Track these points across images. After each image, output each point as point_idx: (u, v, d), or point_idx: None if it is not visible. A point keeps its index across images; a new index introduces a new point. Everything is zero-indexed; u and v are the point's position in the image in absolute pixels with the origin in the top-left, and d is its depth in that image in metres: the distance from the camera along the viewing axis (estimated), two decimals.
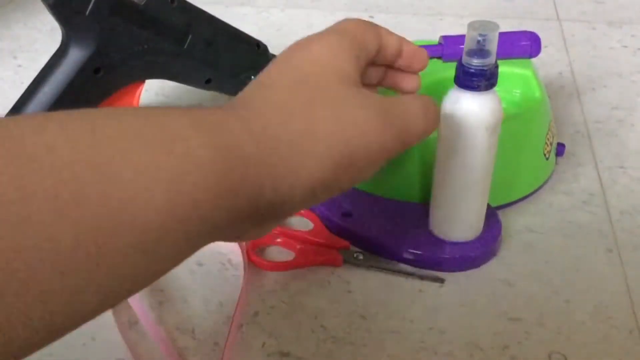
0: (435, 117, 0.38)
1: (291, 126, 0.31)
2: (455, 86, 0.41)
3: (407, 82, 0.42)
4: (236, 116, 0.31)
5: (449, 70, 0.51)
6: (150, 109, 0.29)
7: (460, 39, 0.53)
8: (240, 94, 0.34)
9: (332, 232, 0.49)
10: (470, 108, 0.41)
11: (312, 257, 0.48)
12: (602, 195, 0.54)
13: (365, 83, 0.40)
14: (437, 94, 0.51)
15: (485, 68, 0.40)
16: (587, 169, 0.56)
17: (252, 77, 0.60)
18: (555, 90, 0.68)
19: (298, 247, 0.48)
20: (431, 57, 0.55)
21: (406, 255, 0.47)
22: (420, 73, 0.44)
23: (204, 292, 0.45)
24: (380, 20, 0.83)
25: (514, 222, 0.51)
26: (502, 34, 0.54)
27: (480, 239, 0.47)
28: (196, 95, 0.64)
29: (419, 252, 0.47)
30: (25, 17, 0.84)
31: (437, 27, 0.81)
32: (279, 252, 0.49)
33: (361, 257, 0.47)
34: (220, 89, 0.60)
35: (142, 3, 0.51)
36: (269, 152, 0.30)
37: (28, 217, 0.22)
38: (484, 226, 0.47)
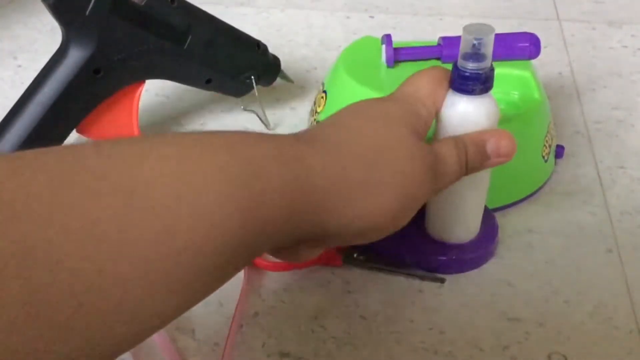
0: (467, 165, 0.40)
1: (359, 169, 0.34)
2: (451, 90, 0.41)
3: None
4: (314, 152, 0.33)
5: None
6: (237, 136, 0.31)
7: (459, 39, 0.53)
8: (314, 130, 0.37)
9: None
10: (466, 112, 0.41)
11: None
12: (602, 196, 0.54)
13: None
14: None
15: (480, 72, 0.40)
16: (587, 169, 0.56)
17: (252, 77, 0.60)
18: (554, 90, 0.68)
19: None
20: (430, 59, 0.55)
21: (403, 259, 0.47)
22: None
23: None
24: (380, 20, 0.83)
25: (513, 222, 0.51)
26: (501, 36, 0.53)
27: (477, 241, 0.47)
28: (196, 96, 0.64)
29: (416, 255, 0.47)
30: (26, 18, 0.84)
31: (437, 27, 0.81)
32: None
33: (361, 257, 0.47)
34: (221, 89, 0.60)
35: (142, 3, 0.51)
36: (336, 190, 0.33)
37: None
38: (481, 228, 0.47)
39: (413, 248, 0.47)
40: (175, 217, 0.26)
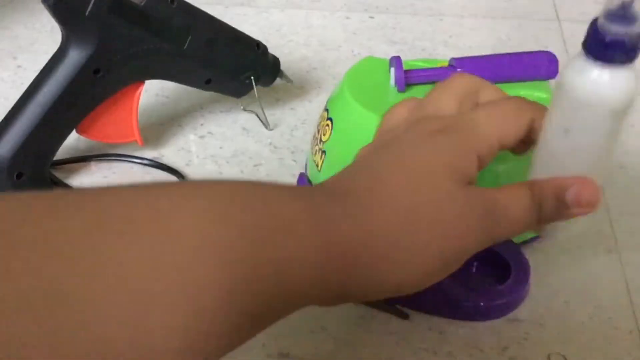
0: (541, 214, 0.34)
1: (394, 231, 0.31)
2: (583, 53, 0.33)
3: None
4: (345, 211, 0.31)
5: None
6: (266, 188, 0.30)
7: (473, 61, 0.50)
8: (347, 178, 0.34)
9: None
10: (597, 83, 0.33)
11: None
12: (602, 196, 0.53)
13: None
14: None
15: (626, 38, 0.32)
16: None
17: (252, 77, 0.60)
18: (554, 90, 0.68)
19: None
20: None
21: (423, 301, 0.43)
22: None
23: None
24: (380, 20, 0.83)
25: None
26: (517, 55, 0.51)
27: (508, 284, 0.43)
28: (196, 96, 0.64)
29: (437, 299, 0.42)
30: (25, 18, 0.84)
31: (437, 28, 0.81)
32: None
33: None
34: (220, 89, 0.60)
35: (142, 3, 0.51)
36: (368, 251, 0.30)
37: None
38: (512, 268, 0.43)
39: (435, 289, 0.41)
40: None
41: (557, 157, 0.36)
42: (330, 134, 0.51)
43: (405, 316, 0.43)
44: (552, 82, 0.51)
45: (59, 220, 0.24)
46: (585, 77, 0.33)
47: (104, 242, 0.24)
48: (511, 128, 0.35)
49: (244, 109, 0.61)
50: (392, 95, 0.50)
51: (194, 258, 0.25)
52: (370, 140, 0.47)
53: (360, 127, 0.47)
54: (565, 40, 0.77)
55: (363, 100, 0.49)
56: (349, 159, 0.49)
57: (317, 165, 0.51)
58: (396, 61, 0.50)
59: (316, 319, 0.43)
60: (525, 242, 0.48)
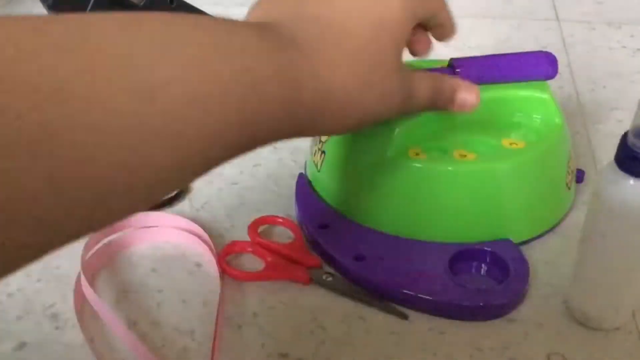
0: (440, 100, 0.42)
1: (350, 91, 0.36)
2: (615, 165, 0.36)
3: (423, 47, 0.44)
4: (312, 71, 0.34)
5: None
6: (237, 42, 0.32)
7: (473, 61, 0.50)
8: (302, 29, 0.35)
9: (349, 279, 0.45)
10: (630, 194, 0.36)
11: (279, 271, 0.46)
12: None
13: None
14: (443, 123, 0.47)
15: None
16: (586, 170, 0.56)
17: None
18: (554, 91, 0.68)
19: (269, 259, 0.47)
20: None
21: (423, 301, 0.43)
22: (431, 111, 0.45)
23: (203, 293, 0.45)
24: None
25: None
26: (516, 55, 0.51)
27: (507, 284, 0.43)
28: None
29: (437, 299, 0.43)
30: None
31: None
32: (252, 261, 0.47)
33: (330, 278, 0.45)
34: None
35: (141, 3, 0.51)
36: (326, 108, 0.35)
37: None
38: (510, 268, 0.44)
39: (433, 290, 0.43)
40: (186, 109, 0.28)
41: (596, 258, 0.40)
42: (328, 137, 0.50)
43: (404, 316, 0.43)
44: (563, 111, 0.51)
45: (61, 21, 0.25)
46: (618, 188, 0.36)
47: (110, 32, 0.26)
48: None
49: None
50: None
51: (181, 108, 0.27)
52: (369, 141, 0.47)
53: (359, 133, 0.46)
54: (565, 40, 0.77)
55: None
56: (348, 159, 0.49)
57: (317, 166, 0.51)
58: None
59: (316, 319, 0.43)
60: (524, 242, 0.48)
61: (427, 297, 0.43)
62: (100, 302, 0.43)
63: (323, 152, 0.51)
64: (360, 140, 0.48)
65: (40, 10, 0.50)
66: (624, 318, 0.42)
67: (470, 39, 0.76)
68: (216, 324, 0.42)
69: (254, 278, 0.46)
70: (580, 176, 0.53)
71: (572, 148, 0.52)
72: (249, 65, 0.31)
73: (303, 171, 0.54)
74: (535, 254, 0.47)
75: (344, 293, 0.45)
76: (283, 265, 0.46)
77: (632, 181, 0.36)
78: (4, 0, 0.87)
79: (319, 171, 0.51)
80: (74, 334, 0.42)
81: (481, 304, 0.43)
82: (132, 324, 0.43)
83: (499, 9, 0.86)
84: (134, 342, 0.41)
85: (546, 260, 0.47)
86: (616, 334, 0.42)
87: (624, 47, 0.76)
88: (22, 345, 0.42)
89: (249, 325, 0.43)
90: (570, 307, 0.43)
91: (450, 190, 0.46)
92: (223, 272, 0.46)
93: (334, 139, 0.49)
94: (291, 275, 0.46)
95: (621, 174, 0.36)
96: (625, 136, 0.36)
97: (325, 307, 0.44)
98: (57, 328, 0.43)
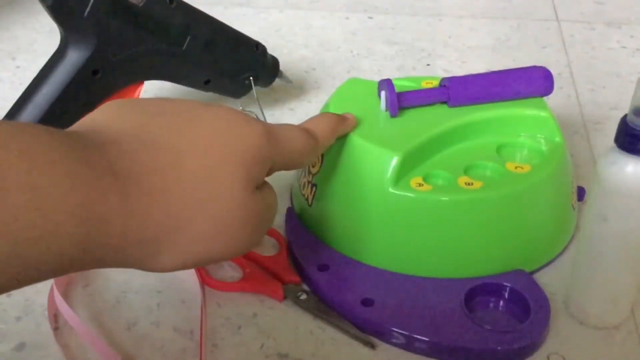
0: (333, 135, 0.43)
1: (175, 229, 0.32)
2: (615, 146, 0.36)
3: None
4: (123, 212, 0.30)
5: (456, 117, 0.46)
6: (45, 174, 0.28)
7: (466, 79, 0.48)
8: (134, 150, 0.32)
9: (354, 324, 0.42)
10: (630, 174, 0.36)
11: (254, 285, 0.45)
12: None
13: None
14: (443, 147, 0.45)
15: None
16: (585, 170, 0.56)
17: (251, 78, 0.60)
18: (553, 91, 0.68)
19: (247, 270, 0.46)
20: (435, 103, 0.48)
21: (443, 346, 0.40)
22: (422, 123, 0.43)
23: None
24: (379, 20, 0.83)
25: None
26: (511, 72, 0.49)
27: (525, 327, 0.40)
28: (195, 96, 0.64)
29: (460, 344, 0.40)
30: (24, 18, 0.84)
31: (436, 28, 0.81)
32: (232, 269, 0.47)
33: (304, 296, 0.44)
34: (219, 89, 0.60)
35: (141, 4, 0.51)
36: (137, 250, 0.31)
37: None
38: (530, 308, 0.41)
39: (454, 333, 0.40)
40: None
41: (597, 242, 0.39)
42: (321, 165, 0.47)
43: (372, 346, 0.41)
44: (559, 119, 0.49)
45: None
46: (618, 169, 0.36)
47: None
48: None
49: (243, 110, 0.61)
50: (384, 120, 0.47)
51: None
52: (365, 172, 0.44)
53: (355, 157, 0.45)
54: (565, 40, 0.77)
55: (356, 129, 0.46)
56: (343, 192, 0.45)
57: (307, 200, 0.48)
58: (387, 85, 0.47)
59: (315, 319, 0.43)
60: (537, 270, 0.46)
61: (447, 344, 0.40)
62: (69, 310, 0.42)
63: (314, 185, 0.47)
64: (355, 172, 0.45)
65: (41, 10, 0.50)
66: (623, 314, 0.42)
67: (469, 39, 0.76)
68: (201, 328, 0.42)
69: (228, 288, 0.45)
70: (581, 194, 0.50)
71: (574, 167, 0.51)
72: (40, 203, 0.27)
73: (290, 205, 0.52)
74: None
75: (316, 315, 0.43)
76: (260, 279, 0.45)
77: (632, 160, 0.36)
78: (5, 0, 0.87)
79: (310, 206, 0.48)
80: (74, 335, 0.42)
81: (499, 348, 0.40)
82: (132, 324, 0.43)
83: (498, 9, 0.86)
84: (104, 348, 0.41)
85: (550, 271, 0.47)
86: (616, 334, 0.42)
87: (624, 47, 0.76)
88: (21, 346, 0.42)
89: (248, 326, 0.43)
90: (569, 305, 0.43)
91: (459, 222, 0.43)
92: (202, 281, 0.45)
93: (325, 170, 0.46)
94: (266, 290, 0.45)
95: (621, 155, 0.36)
96: (624, 118, 0.36)
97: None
98: (56, 329, 0.43)
